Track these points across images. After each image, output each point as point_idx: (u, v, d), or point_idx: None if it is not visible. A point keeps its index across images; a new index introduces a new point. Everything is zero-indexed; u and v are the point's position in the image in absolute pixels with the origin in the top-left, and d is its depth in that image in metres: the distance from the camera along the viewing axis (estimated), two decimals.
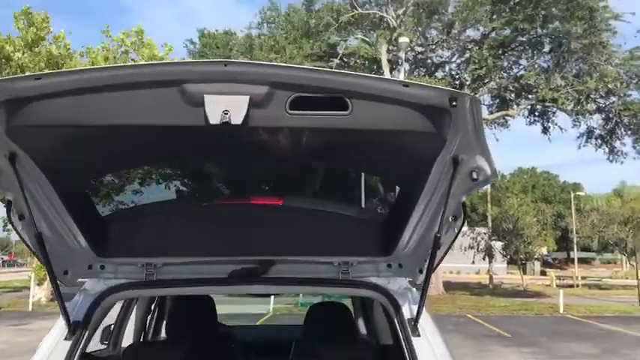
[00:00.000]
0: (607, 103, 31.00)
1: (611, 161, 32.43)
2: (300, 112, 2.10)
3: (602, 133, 32.06)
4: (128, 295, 3.49)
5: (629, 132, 31.44)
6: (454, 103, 2.03)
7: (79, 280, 3.15)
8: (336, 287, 3.45)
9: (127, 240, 3.07)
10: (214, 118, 2.03)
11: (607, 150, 32.35)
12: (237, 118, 2.04)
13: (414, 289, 3.25)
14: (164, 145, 2.67)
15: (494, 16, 28.91)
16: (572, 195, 68.42)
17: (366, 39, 32.14)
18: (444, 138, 2.23)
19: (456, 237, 2.84)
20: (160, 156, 3.01)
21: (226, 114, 2.02)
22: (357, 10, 30.86)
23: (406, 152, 2.53)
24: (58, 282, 2.90)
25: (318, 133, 2.38)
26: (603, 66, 28.70)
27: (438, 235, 2.65)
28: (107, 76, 2.05)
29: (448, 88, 2.08)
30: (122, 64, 2.69)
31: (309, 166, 3.31)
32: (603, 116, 31.62)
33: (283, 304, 18.45)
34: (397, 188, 3.16)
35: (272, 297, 12.57)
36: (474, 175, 2.44)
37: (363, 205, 3.50)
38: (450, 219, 2.74)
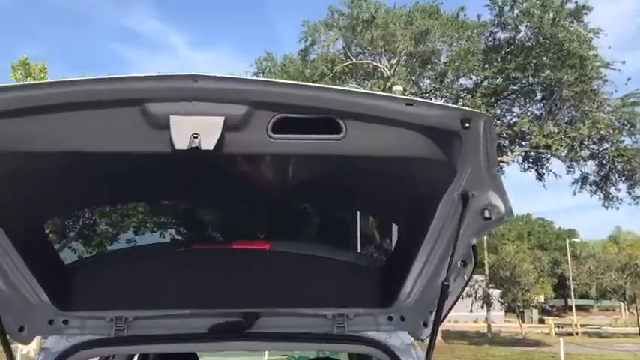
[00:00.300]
0: (600, 149, 31.13)
1: (607, 207, 32.29)
2: (285, 136, 1.84)
3: (597, 180, 32.02)
4: (95, 353, 3.12)
5: (623, 178, 31.44)
6: (467, 125, 1.77)
7: (40, 337, 2.81)
8: (330, 343, 3.10)
9: (94, 291, 2.74)
10: (181, 143, 1.75)
11: (602, 196, 32.24)
12: (208, 143, 1.76)
13: (418, 345, 2.93)
14: (128, 178, 2.38)
15: (487, 65, 29.33)
16: (568, 241, 68.14)
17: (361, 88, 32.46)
18: (453, 168, 1.97)
19: (465, 285, 2.54)
20: (125, 191, 2.70)
21: (196, 138, 1.75)
22: (351, 60, 31.31)
23: (409, 186, 2.26)
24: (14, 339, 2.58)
25: (306, 161, 2.10)
26: (595, 113, 28.96)
27: (446, 282, 2.37)
28: (54, 93, 1.75)
29: (460, 107, 1.82)
30: (71, 79, 2.25)
31: (298, 203, 3.02)
32: (597, 162, 31.68)
33: (278, 355, 17.80)
34: (399, 229, 2.88)
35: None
36: (487, 214, 2.17)
37: (359, 250, 3.20)
38: (458, 264, 2.45)
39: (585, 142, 30.29)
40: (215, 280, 2.77)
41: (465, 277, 2.51)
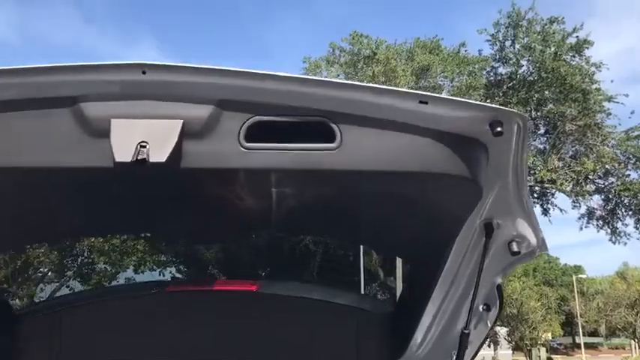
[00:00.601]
0: (606, 183, 30.84)
1: (614, 243, 31.75)
2: (262, 145, 1.46)
3: (603, 214, 31.56)
4: None
5: (630, 212, 31.00)
6: (498, 130, 1.39)
7: None
8: None
9: (47, 342, 2.35)
10: (124, 154, 1.37)
11: (609, 231, 31.74)
12: (159, 154, 1.37)
13: None
14: (70, 204, 1.98)
15: (488, 100, 29.24)
16: (574, 278, 67.09)
17: None
18: (476, 188, 1.58)
19: (489, 333, 2.12)
20: (70, 221, 2.30)
21: (144, 147, 1.37)
22: None
23: (421, 211, 1.86)
24: None
25: (290, 179, 1.71)
26: (600, 147, 28.83)
27: (466, 330, 1.95)
28: None
29: (490, 105, 1.43)
30: None
31: (286, 233, 2.63)
32: (603, 197, 31.31)
33: None
34: (409, 266, 2.46)
35: None
36: (515, 247, 1.78)
37: (362, 291, 2.79)
38: (480, 308, 2.04)
39: (590, 177, 29.97)
40: (192, 329, 2.37)
41: (489, 323, 2.09)
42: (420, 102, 1.44)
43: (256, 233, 2.17)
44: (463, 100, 1.43)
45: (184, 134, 1.41)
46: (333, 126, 1.47)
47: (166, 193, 1.82)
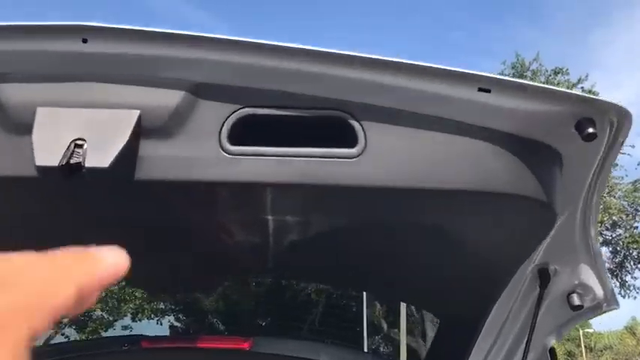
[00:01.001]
0: (613, 235, 30.33)
1: (623, 296, 31.03)
2: (253, 149, 1.06)
3: (612, 267, 30.95)
4: None
5: (639, 265, 30.41)
6: (589, 131, 1.02)
7: None
8: None
9: None
10: (49, 155, 0.96)
11: (617, 284, 31.04)
12: (100, 156, 0.96)
13: None
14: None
15: None
16: (581, 332, 65.34)
17: None
18: (546, 215, 1.20)
19: None
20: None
21: (80, 146, 0.99)
22: None
23: (462, 246, 1.47)
24: None
25: (292, 199, 1.28)
26: (607, 198, 28.47)
27: None
28: None
29: (577, 93, 1.05)
30: None
31: (285, 277, 2.21)
32: (611, 249, 30.75)
33: None
34: (438, 321, 2.04)
35: None
36: (576, 300, 1.42)
37: (377, 352, 2.36)
38: None
39: (598, 228, 29.53)
40: None
41: None
42: (480, 89, 1.04)
43: (246, 278, 1.79)
44: (540, 85, 1.04)
45: (141, 131, 1.01)
46: (355, 123, 1.07)
47: (115, 216, 1.40)
